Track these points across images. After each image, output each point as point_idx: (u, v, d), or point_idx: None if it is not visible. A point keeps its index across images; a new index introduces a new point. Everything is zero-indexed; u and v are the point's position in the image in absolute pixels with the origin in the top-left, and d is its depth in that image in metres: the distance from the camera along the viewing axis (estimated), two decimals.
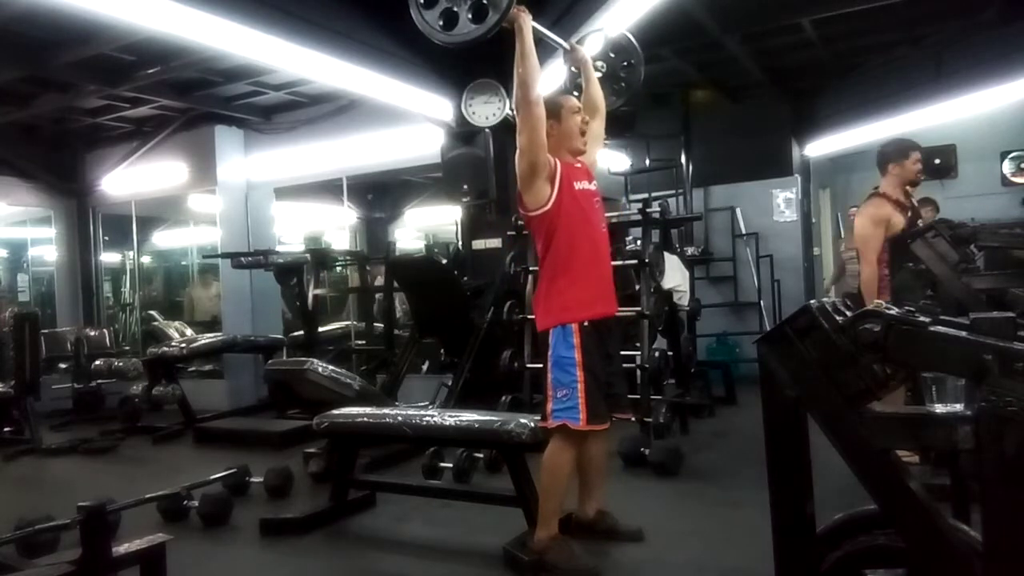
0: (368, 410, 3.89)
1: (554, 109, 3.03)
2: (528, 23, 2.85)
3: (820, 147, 8.51)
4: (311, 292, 6.85)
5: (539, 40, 3.00)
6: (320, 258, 7.25)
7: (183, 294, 10.35)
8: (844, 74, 7.77)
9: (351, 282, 9.19)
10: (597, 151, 3.37)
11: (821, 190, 9.46)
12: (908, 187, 4.29)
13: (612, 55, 3.69)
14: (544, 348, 3.06)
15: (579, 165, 3.13)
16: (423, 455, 4.32)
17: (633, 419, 3.88)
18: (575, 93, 3.46)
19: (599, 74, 3.58)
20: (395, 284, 6.40)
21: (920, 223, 4.21)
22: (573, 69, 3.55)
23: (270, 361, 6.26)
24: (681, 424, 5.35)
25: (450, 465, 4.19)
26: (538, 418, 3.09)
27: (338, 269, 9.31)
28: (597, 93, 3.37)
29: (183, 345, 6.94)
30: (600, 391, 2.94)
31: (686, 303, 5.83)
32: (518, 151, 2.92)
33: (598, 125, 3.32)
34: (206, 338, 7.30)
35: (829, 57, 7.40)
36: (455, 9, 2.77)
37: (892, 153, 4.25)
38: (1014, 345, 1.36)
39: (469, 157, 5.75)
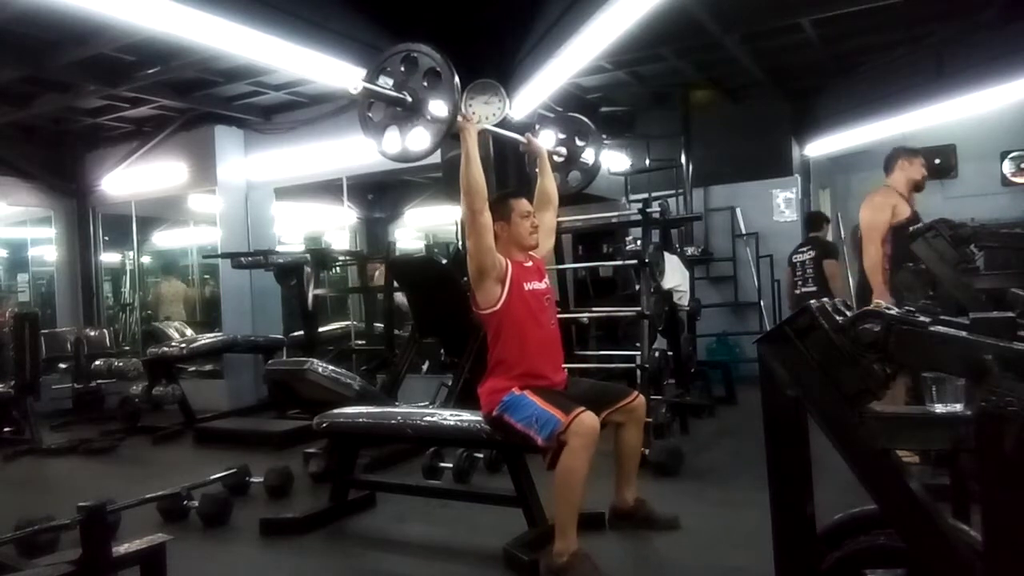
0: (368, 410, 3.89)
1: (504, 212, 3.15)
2: (472, 132, 2.94)
3: (820, 147, 8.51)
4: (311, 292, 6.85)
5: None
6: (320, 258, 7.25)
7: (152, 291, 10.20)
8: (844, 74, 7.77)
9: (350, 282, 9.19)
10: (550, 244, 3.46)
11: (821, 190, 9.45)
12: (913, 191, 4.49)
13: (573, 138, 3.80)
14: (498, 428, 3.08)
15: (530, 264, 3.21)
16: (423, 455, 4.33)
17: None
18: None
19: (560, 159, 3.71)
20: (395, 284, 6.40)
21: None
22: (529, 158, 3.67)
23: (270, 361, 6.25)
24: (681, 424, 5.36)
25: (450, 465, 4.19)
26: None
27: (337, 269, 9.29)
28: (550, 185, 3.48)
29: (183, 345, 6.94)
30: (558, 395, 3.00)
31: (686, 303, 5.84)
32: (468, 253, 3.02)
33: (550, 217, 3.42)
34: (206, 338, 7.31)
35: (829, 57, 7.39)
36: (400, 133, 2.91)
37: (902, 151, 4.55)
38: (1014, 345, 1.36)
39: None
